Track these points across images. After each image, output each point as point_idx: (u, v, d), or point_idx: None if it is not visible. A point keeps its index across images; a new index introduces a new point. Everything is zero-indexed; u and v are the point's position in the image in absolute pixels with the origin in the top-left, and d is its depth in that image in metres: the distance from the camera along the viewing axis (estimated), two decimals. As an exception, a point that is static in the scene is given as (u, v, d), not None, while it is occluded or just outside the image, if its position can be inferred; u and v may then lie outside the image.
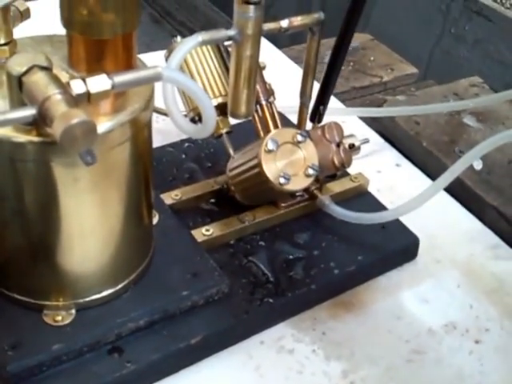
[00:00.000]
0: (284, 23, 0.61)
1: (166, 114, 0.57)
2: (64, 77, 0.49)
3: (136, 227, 0.57)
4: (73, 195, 0.51)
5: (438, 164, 0.82)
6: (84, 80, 0.45)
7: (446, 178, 0.62)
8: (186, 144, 0.78)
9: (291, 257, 0.66)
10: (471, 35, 1.28)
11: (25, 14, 0.56)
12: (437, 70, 1.30)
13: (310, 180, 0.64)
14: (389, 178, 0.81)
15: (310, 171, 0.63)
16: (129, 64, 0.51)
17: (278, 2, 1.39)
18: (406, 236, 0.70)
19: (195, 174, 0.74)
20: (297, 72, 0.75)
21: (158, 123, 0.77)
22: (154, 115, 0.57)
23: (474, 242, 0.73)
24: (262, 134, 0.68)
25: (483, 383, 0.60)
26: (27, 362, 0.53)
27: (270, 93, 0.68)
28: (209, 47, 0.68)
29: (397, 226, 0.69)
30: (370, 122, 0.89)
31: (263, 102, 0.68)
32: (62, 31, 0.50)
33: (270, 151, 0.62)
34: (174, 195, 0.69)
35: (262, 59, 0.61)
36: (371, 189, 0.75)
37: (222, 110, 0.65)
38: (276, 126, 0.68)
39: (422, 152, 0.85)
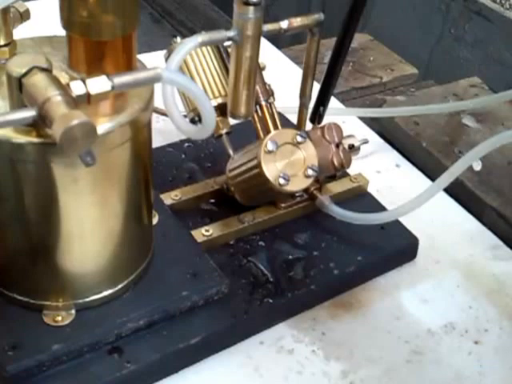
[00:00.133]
0: (284, 24, 0.61)
1: (165, 115, 0.57)
2: (64, 78, 0.49)
3: (136, 228, 0.57)
4: (73, 196, 0.51)
5: (437, 164, 0.82)
6: (84, 81, 0.45)
7: (446, 178, 0.62)
8: (186, 144, 0.78)
9: (291, 257, 0.66)
10: (471, 35, 1.28)
11: (25, 15, 0.56)
12: (436, 71, 1.30)
13: (310, 180, 0.64)
14: (388, 178, 0.81)
15: (310, 172, 0.63)
16: (128, 65, 0.51)
17: (278, 3, 1.39)
18: (406, 236, 0.70)
19: (195, 175, 0.74)
20: (297, 72, 0.75)
21: (158, 123, 0.77)
22: (154, 115, 0.58)
23: (474, 243, 0.73)
24: (261, 134, 0.68)
25: (482, 384, 0.60)
26: (27, 362, 0.53)
27: (269, 93, 0.68)
28: (208, 48, 0.68)
29: (396, 227, 0.69)
30: (370, 122, 0.89)
31: (263, 103, 0.68)
32: (62, 32, 0.50)
33: (269, 152, 0.62)
34: (173, 195, 0.69)
35: (261, 59, 0.61)
36: (371, 189, 0.75)
37: (221, 110, 0.65)
38: (276, 127, 0.68)
39: (422, 152, 0.85)
